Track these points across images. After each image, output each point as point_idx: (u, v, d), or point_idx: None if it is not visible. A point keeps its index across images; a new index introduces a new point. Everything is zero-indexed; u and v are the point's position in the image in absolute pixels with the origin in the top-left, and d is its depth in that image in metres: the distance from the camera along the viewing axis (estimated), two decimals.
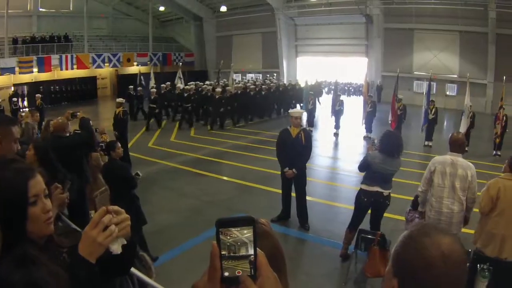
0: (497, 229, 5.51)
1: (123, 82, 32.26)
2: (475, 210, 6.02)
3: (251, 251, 1.04)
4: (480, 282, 5.26)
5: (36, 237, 1.87)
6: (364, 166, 7.03)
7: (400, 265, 1.48)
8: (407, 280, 1.45)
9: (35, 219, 1.84)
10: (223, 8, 37.37)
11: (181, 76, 26.78)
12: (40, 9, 36.49)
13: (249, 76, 39.54)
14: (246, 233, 1.04)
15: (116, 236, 1.64)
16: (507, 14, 26.90)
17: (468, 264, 5.15)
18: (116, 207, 1.69)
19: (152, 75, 28.53)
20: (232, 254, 1.03)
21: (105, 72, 38.51)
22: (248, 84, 26.92)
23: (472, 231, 6.26)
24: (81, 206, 6.71)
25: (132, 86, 25.31)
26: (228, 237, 1.03)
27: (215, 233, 1.03)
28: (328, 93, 39.03)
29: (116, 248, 1.65)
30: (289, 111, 10.13)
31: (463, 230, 6.54)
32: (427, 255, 1.41)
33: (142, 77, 28.80)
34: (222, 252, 1.02)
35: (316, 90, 27.27)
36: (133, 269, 2.25)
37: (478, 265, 5.32)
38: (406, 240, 1.49)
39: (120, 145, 7.39)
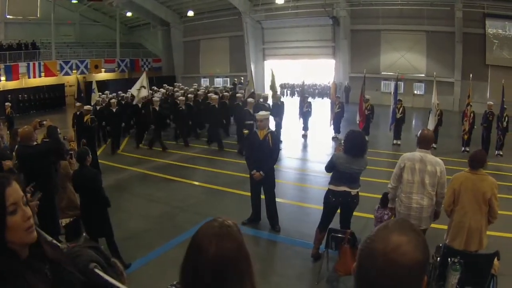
0: (463, 222, 5.61)
1: (91, 89, 31.31)
2: None
3: None
4: (452, 275, 5.29)
5: (18, 247, 1.81)
6: (330, 166, 7.06)
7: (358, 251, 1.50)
8: (356, 267, 1.47)
9: (16, 228, 1.78)
10: (190, 13, 37.15)
11: (144, 85, 21.02)
12: (7, 16, 35.80)
13: (217, 80, 39.50)
14: None
15: None
16: (473, 13, 27.59)
17: (439, 258, 5.18)
18: None
19: (94, 84, 24.62)
20: None
21: (73, 79, 37.73)
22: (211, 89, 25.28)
23: (442, 226, 6.32)
24: (51, 215, 6.70)
25: (100, 93, 24.35)
26: None
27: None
28: (291, 95, 39.47)
29: None
30: (255, 114, 10.12)
31: (435, 226, 6.60)
32: (372, 246, 1.41)
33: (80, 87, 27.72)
34: None
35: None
36: (105, 276, 2.21)
37: (449, 259, 5.36)
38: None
39: (90, 153, 7.34)
